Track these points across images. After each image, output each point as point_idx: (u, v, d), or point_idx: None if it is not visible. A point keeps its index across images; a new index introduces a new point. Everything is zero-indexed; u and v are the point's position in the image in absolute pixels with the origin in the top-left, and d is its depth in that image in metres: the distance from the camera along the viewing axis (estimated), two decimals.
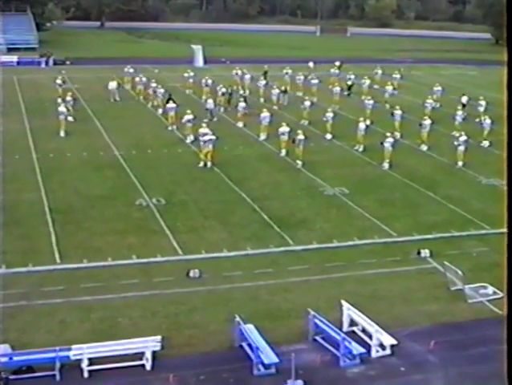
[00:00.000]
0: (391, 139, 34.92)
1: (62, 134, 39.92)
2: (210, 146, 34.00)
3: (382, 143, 34.74)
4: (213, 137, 34.07)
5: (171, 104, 42.62)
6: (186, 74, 54.97)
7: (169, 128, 41.83)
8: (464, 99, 47.58)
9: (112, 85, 51.46)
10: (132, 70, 56.37)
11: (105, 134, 40.83)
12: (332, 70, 59.99)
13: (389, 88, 51.70)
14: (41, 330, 18.52)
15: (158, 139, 39.78)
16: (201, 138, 35.12)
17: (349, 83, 55.33)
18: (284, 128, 36.21)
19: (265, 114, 39.96)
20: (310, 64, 64.86)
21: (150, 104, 48.44)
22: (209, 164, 33.97)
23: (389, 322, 19.13)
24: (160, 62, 69.93)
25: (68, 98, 44.04)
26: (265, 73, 57.58)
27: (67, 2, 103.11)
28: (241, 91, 48.79)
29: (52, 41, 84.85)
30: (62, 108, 40.88)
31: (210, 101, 44.85)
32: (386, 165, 34.68)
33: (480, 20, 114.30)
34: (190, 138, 38.60)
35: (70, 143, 38.49)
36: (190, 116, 38.76)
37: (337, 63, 62.27)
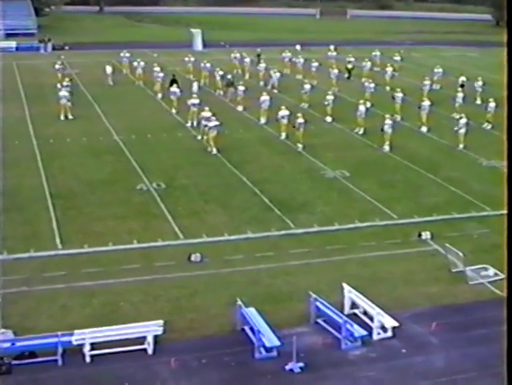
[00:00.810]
0: (390, 122, 34.85)
1: (70, 117, 40.06)
2: (215, 132, 33.87)
3: (382, 130, 34.65)
4: (218, 122, 33.94)
5: (174, 88, 42.54)
6: (187, 59, 54.77)
7: (173, 111, 41.86)
8: (461, 80, 47.49)
9: (109, 69, 51.54)
10: (128, 55, 56.14)
11: (105, 119, 40.79)
12: (329, 53, 59.83)
13: (389, 70, 51.53)
14: (43, 316, 18.56)
15: (158, 123, 39.71)
16: (203, 122, 35.19)
17: (349, 66, 54.93)
18: (284, 112, 36.15)
19: (264, 97, 39.83)
20: (298, 47, 64.69)
21: (157, 87, 47.99)
22: (210, 148, 33.81)
23: (390, 304, 19.14)
24: (160, 47, 69.74)
25: (65, 83, 43.92)
26: (258, 56, 57.39)
27: None
28: (229, 76, 48.30)
29: (51, 26, 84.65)
30: (64, 92, 40.88)
31: (195, 84, 44.66)
32: (386, 148, 34.63)
33: (480, 1, 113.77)
34: (194, 122, 38.43)
35: (69, 128, 38.45)
36: (196, 101, 38.55)
37: (331, 47, 62.01)
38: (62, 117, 39.98)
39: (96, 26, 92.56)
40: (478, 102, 44.12)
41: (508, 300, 6.73)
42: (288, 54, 58.14)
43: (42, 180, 29.67)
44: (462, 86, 46.35)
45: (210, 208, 26.94)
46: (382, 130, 34.70)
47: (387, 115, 35.58)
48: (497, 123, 38.70)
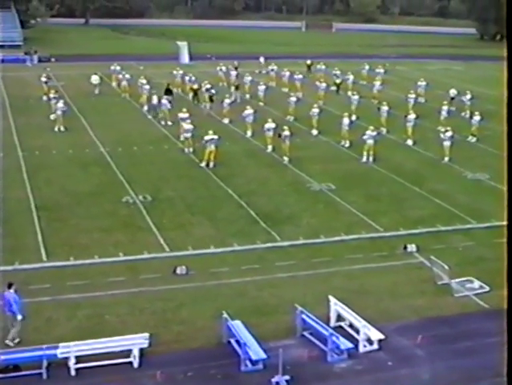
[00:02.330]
0: (372, 133, 35.00)
1: (62, 129, 40.06)
2: (213, 146, 33.75)
3: (363, 135, 34.98)
4: (216, 137, 33.85)
5: (164, 100, 42.56)
6: (175, 72, 54.74)
7: (162, 123, 41.91)
8: (451, 93, 47.69)
9: (96, 79, 52.20)
10: (118, 68, 56.09)
11: (91, 131, 40.71)
12: (318, 66, 60.00)
13: (377, 83, 51.72)
14: (28, 329, 18.40)
15: (144, 135, 39.69)
16: (185, 134, 35.38)
17: (337, 81, 54.67)
18: (270, 124, 36.27)
19: (248, 111, 39.85)
20: (261, 59, 64.98)
21: (143, 100, 47.86)
22: (211, 164, 33.76)
23: (376, 316, 19.17)
24: (146, 59, 69.78)
25: (51, 95, 43.84)
26: (235, 68, 57.38)
27: None
28: (208, 86, 48.25)
29: (37, 38, 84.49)
30: (60, 104, 40.82)
31: (155, 98, 44.64)
32: (370, 159, 34.78)
33: (464, 15, 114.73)
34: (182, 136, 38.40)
35: (55, 140, 38.36)
36: (186, 115, 38.40)
37: (308, 62, 61.85)
38: (60, 129, 39.94)
39: (82, 38, 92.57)
40: (466, 115, 44.24)
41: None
42: (274, 66, 58.36)
43: (27, 192, 29.55)
44: (453, 99, 46.62)
45: (196, 221, 26.92)
46: (363, 135, 34.96)
47: (370, 127, 35.72)
48: (482, 136, 39.00)
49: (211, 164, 33.58)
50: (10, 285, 18.01)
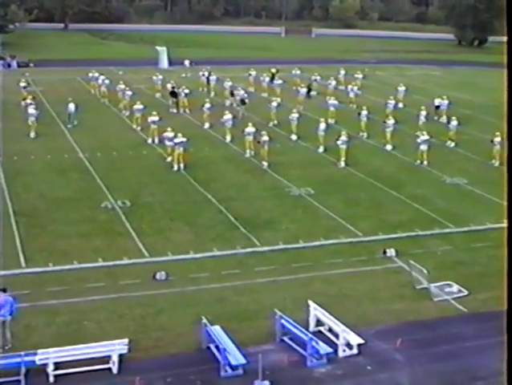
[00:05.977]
0: (345, 138, 35.17)
1: (32, 135, 39.79)
2: (181, 149, 33.81)
3: (337, 139, 35.14)
4: (184, 139, 33.89)
5: (138, 106, 42.50)
6: (155, 78, 54.69)
7: (135, 128, 41.77)
8: (436, 102, 46.97)
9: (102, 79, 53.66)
10: (97, 75, 55.65)
11: (69, 136, 40.54)
12: (293, 71, 59.80)
13: (354, 88, 51.85)
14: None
15: (123, 140, 39.60)
16: (167, 142, 35.01)
17: (303, 84, 54.14)
18: (250, 129, 36.32)
19: (227, 116, 39.82)
20: (186, 63, 65.09)
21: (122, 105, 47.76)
22: (181, 166, 33.79)
23: (356, 321, 19.21)
24: (125, 64, 69.63)
25: (28, 100, 43.56)
26: (209, 74, 57.14)
27: (29, 4, 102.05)
28: (245, 94, 48.54)
29: (15, 43, 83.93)
30: (31, 110, 40.64)
31: (71, 105, 44.10)
32: (342, 163, 34.95)
33: (443, 21, 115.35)
34: (154, 139, 38.50)
35: (34, 145, 38.18)
36: (156, 118, 38.61)
37: (273, 70, 61.40)
38: (32, 135, 39.72)
39: (61, 43, 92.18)
40: (444, 120, 44.43)
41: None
42: (253, 72, 58.31)
43: (5, 198, 29.37)
44: (437, 107, 46.14)
45: (175, 226, 26.87)
46: (337, 139, 35.12)
47: (343, 132, 35.85)
48: (460, 141, 39.25)
49: (181, 166, 33.58)
50: (4, 290, 18.09)
